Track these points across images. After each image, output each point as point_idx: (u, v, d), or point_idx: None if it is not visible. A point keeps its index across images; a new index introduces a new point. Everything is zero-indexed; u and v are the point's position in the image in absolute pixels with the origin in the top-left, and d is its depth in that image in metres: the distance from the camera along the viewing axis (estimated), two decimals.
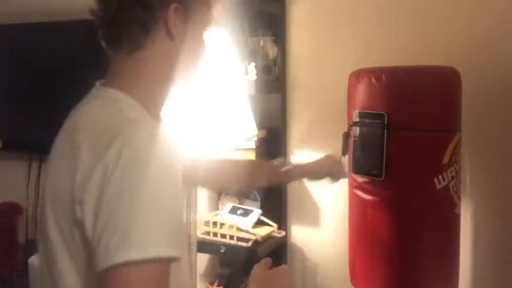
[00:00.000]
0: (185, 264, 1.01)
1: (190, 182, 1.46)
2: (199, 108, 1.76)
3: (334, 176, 1.70)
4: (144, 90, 0.96)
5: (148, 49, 0.95)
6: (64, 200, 0.86)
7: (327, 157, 1.73)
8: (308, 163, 1.71)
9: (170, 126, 1.09)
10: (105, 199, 0.79)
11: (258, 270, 1.11)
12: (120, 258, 0.76)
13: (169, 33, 0.95)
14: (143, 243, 0.77)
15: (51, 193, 0.92)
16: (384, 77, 1.68)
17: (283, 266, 1.16)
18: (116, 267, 0.76)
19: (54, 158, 0.95)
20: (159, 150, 0.84)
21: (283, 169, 1.61)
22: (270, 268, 1.12)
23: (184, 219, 0.99)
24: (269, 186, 2.23)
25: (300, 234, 2.37)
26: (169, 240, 0.81)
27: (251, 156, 2.15)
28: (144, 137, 0.85)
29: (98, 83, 1.00)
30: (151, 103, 0.98)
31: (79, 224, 0.83)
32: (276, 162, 1.67)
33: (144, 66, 0.96)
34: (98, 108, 0.94)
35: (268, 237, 2.16)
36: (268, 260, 1.14)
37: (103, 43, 0.98)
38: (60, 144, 0.95)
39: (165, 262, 0.81)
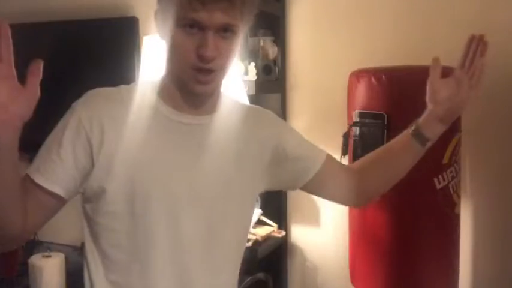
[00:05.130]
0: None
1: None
2: None
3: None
4: (162, 80, 1.11)
5: None
6: None
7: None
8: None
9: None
10: None
11: None
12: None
13: None
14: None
15: None
16: (383, 77, 1.68)
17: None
18: None
19: None
20: (87, 102, 1.07)
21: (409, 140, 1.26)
22: None
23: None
24: None
25: (300, 234, 2.37)
26: (38, 166, 1.03)
27: None
28: (94, 93, 1.09)
29: None
30: (166, 91, 1.10)
31: None
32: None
33: None
34: None
35: (268, 237, 2.16)
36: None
37: None
38: None
39: (26, 175, 1.03)
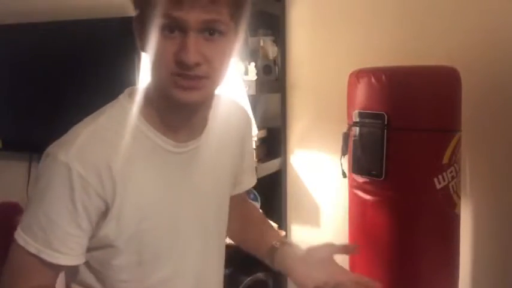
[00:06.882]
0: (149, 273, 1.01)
1: None
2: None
3: None
4: (146, 89, 1.00)
5: None
6: None
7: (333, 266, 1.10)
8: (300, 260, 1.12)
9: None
10: None
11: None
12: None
13: None
14: (21, 229, 0.95)
15: None
16: (383, 77, 1.68)
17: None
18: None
19: None
20: (71, 157, 0.90)
21: (274, 243, 1.17)
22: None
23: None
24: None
25: (300, 234, 2.37)
26: (36, 239, 0.92)
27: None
28: (84, 140, 0.93)
29: None
30: (148, 102, 0.98)
31: None
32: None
33: None
34: None
35: None
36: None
37: None
38: None
39: (28, 253, 0.92)
